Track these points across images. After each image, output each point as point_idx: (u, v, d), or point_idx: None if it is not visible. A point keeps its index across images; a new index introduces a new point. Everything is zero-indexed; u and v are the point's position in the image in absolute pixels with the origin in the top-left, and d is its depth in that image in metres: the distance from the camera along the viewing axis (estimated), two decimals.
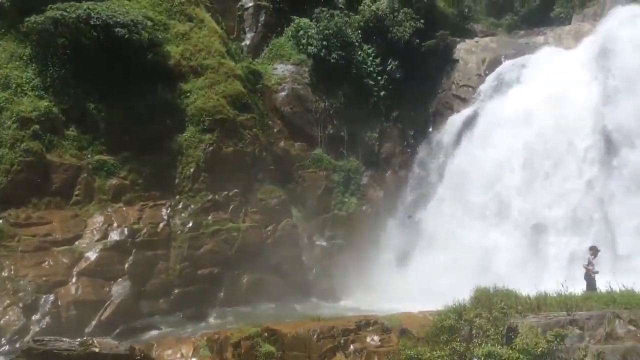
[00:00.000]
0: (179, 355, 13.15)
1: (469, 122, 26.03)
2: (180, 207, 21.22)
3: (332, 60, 27.29)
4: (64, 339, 12.17)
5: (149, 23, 21.87)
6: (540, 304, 12.33)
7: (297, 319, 15.31)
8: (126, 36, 20.57)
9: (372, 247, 26.04)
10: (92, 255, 18.72)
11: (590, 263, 15.59)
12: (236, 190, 22.44)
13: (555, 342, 10.21)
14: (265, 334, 13.06)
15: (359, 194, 27.29)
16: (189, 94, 22.75)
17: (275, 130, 26.04)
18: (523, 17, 35.82)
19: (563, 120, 22.83)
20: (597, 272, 15.22)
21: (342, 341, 13.08)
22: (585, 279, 15.36)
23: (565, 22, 31.00)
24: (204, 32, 24.44)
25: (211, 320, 19.65)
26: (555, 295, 12.57)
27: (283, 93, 26.73)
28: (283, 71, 27.21)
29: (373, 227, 26.71)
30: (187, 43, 23.70)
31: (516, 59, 26.54)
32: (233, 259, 21.40)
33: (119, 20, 20.57)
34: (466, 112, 26.69)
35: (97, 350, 12.05)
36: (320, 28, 27.42)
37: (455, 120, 26.99)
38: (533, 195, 22.70)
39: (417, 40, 28.54)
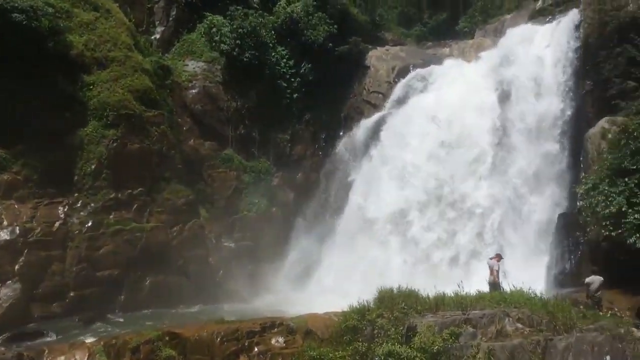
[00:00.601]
0: None
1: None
2: (79, 205, 20.17)
3: (245, 60, 27.04)
4: None
5: (50, 10, 20.59)
6: (439, 303, 12.85)
7: (200, 321, 14.99)
8: (24, 22, 19.24)
9: (281, 248, 26.05)
10: None
11: (499, 269, 15.94)
12: (141, 188, 21.66)
13: (451, 340, 10.70)
14: (166, 338, 12.71)
15: (269, 195, 27.20)
16: (92, 87, 21.66)
17: (184, 128, 25.40)
18: (431, 29, 37.42)
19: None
20: (499, 282, 15.71)
21: (246, 343, 13.01)
22: (489, 283, 15.73)
23: (469, 36, 32.69)
24: (111, 22, 23.39)
25: (110, 324, 18.77)
26: (452, 295, 13.13)
27: (194, 90, 26.14)
28: (194, 68, 26.60)
29: (283, 228, 26.72)
30: (91, 33, 22.54)
31: (424, 69, 27.57)
32: (135, 260, 20.63)
33: (16, 5, 19.17)
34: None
35: None
36: (234, 26, 27.09)
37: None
38: None
39: (331, 45, 28.91)
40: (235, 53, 26.97)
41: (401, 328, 11.83)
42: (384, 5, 38.80)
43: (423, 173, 23.80)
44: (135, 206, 21.35)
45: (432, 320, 11.61)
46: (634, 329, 11.54)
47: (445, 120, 24.02)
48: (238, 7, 27.74)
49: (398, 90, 27.30)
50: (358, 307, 13.20)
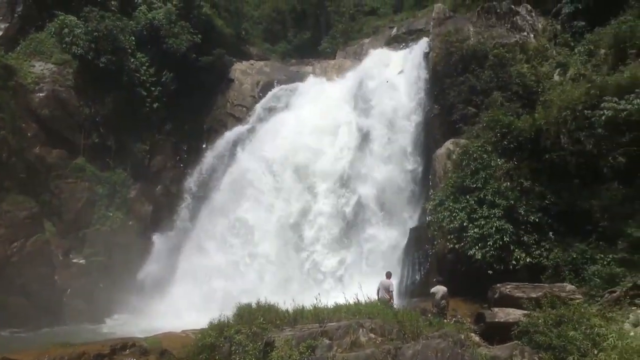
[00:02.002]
0: None
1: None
2: None
3: (101, 65, 25.53)
4: None
5: None
6: (298, 317, 12.94)
7: (42, 345, 13.68)
8: None
9: (137, 263, 24.82)
10: None
11: (392, 288, 15.83)
12: None
13: (307, 353, 10.80)
14: None
15: (125, 208, 25.86)
16: None
17: (29, 134, 23.27)
18: (295, 47, 38.39)
19: None
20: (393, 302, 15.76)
21: None
22: (382, 302, 14.75)
23: (331, 56, 33.95)
24: None
25: None
26: (311, 308, 13.32)
27: (41, 94, 24.08)
28: (42, 70, 24.51)
29: (139, 243, 25.50)
30: None
31: (287, 85, 28.10)
32: None
33: None
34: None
35: None
36: (89, 29, 25.43)
37: None
38: None
39: (194, 55, 28.40)
40: (89, 57, 25.36)
41: (259, 343, 11.70)
42: (249, 20, 39.13)
43: (277, 191, 24.38)
44: None
45: (290, 334, 11.64)
46: (472, 334, 12.60)
47: (306, 139, 24.67)
48: (94, 9, 26.11)
49: (262, 105, 27.56)
50: (217, 323, 12.90)
